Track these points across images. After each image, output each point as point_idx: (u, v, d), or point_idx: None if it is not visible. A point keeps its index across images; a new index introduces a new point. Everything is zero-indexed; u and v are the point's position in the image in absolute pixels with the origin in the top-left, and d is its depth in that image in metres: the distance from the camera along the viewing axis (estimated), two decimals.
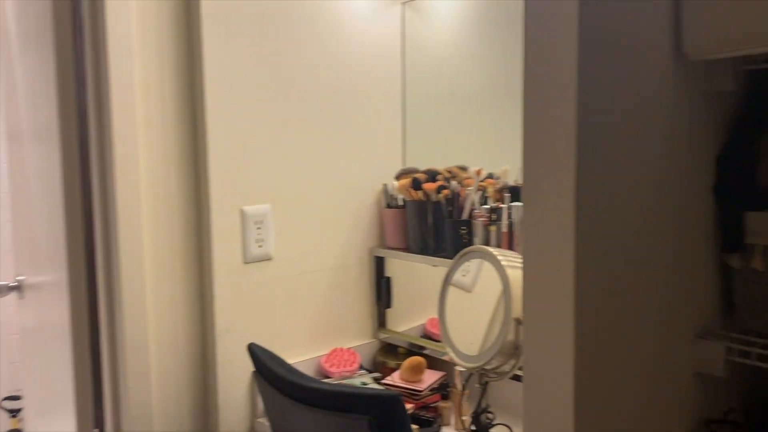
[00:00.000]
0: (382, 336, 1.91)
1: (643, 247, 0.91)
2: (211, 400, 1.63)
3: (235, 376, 1.63)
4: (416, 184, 1.73)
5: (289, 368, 1.36)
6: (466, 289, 1.47)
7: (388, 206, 1.86)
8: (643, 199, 0.90)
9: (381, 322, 1.92)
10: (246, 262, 1.64)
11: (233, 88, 1.58)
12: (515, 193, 1.55)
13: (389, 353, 1.88)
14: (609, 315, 0.86)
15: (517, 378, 1.38)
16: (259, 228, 1.65)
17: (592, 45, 0.78)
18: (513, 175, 1.62)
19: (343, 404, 1.15)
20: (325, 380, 1.70)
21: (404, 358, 1.78)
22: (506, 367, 1.35)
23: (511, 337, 1.28)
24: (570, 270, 0.79)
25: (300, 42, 1.69)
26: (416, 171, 1.79)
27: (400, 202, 1.85)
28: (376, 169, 1.88)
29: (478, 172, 1.64)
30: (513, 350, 1.30)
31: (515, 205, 1.52)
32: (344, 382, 1.73)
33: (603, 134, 0.81)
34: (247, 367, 1.61)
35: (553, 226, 0.80)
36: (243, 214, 1.62)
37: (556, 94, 0.78)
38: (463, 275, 1.47)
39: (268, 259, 1.68)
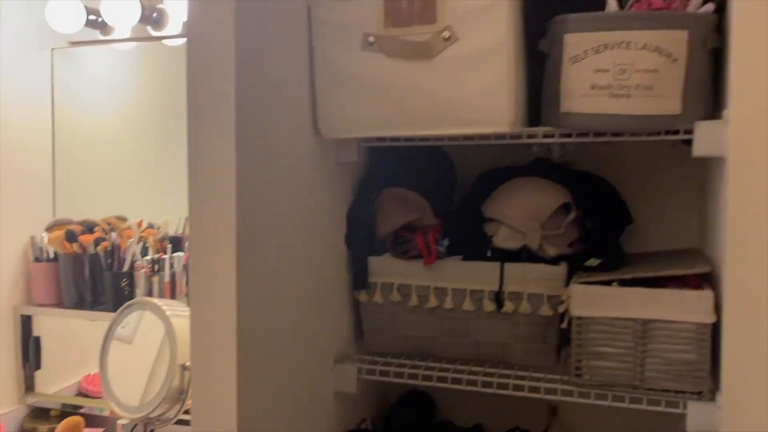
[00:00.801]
0: (31, 400, 1.76)
1: (293, 290, 1.09)
2: None
3: None
4: (71, 237, 1.67)
5: None
6: (127, 341, 1.48)
7: (37, 260, 1.75)
8: (292, 250, 1.08)
9: (29, 386, 1.77)
10: None
11: None
12: (176, 243, 1.63)
13: (40, 418, 1.75)
14: (266, 350, 1.01)
15: (181, 422, 1.44)
16: None
17: (247, 121, 0.93)
18: (173, 226, 1.69)
19: None
20: None
21: (58, 421, 1.68)
22: (171, 413, 1.40)
23: (176, 382, 1.34)
24: (233, 312, 0.92)
25: None
26: (70, 222, 1.73)
27: (52, 255, 1.75)
28: (21, 222, 1.76)
29: (139, 224, 1.66)
30: (178, 395, 1.36)
31: (177, 255, 1.59)
32: None
33: (258, 197, 0.97)
34: None
35: (218, 276, 0.92)
36: None
37: (219, 164, 0.91)
38: (123, 327, 1.48)
39: None
